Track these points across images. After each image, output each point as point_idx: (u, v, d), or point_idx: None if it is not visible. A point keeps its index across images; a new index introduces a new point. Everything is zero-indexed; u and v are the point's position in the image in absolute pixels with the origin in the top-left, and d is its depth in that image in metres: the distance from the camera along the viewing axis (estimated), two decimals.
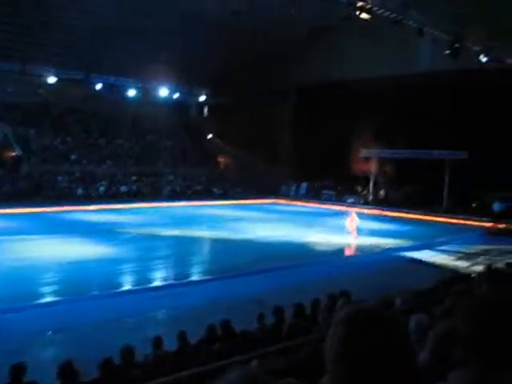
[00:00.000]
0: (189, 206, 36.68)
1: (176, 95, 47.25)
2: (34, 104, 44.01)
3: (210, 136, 51.39)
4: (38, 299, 12.91)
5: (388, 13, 28.12)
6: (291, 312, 8.55)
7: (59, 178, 39.30)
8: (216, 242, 23.74)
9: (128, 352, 6.60)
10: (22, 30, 35.92)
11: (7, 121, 41.31)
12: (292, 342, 6.91)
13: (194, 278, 16.45)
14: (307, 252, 21.20)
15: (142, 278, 15.84)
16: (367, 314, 1.51)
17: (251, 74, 42.69)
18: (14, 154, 40.06)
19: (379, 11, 27.60)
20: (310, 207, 39.98)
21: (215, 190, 44.46)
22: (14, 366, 5.84)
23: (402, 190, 39.04)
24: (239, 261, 18.18)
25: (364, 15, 26.19)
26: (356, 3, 25.88)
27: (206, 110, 52.83)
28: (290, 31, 36.93)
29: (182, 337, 7.70)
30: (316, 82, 41.59)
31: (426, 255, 20.88)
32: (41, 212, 30.69)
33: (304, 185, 45.44)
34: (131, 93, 45.22)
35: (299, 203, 41.73)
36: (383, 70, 35.73)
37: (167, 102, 46.79)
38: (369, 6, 26.30)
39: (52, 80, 42.00)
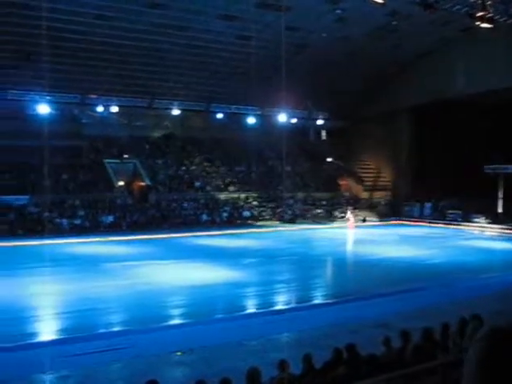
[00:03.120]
0: (309, 229, 36.61)
1: (294, 120, 47.71)
2: (160, 136, 46.50)
3: (329, 159, 51.22)
4: (166, 322, 13.34)
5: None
6: (419, 336, 8.14)
7: (185, 204, 40.89)
8: (339, 264, 23.42)
9: (254, 374, 6.57)
10: (152, 69, 38.30)
11: (136, 153, 43.83)
12: (419, 367, 6.56)
13: (317, 301, 16.27)
14: (434, 274, 20.30)
15: (265, 302, 15.90)
16: (508, 333, 1.34)
17: (367, 97, 42.44)
18: (143, 184, 42.30)
19: (501, 19, 26.33)
20: (436, 228, 38.41)
21: (336, 213, 44.06)
22: (149, 383, 6.03)
23: None
24: (364, 283, 17.77)
25: (485, 25, 25.05)
26: (475, 13, 24.84)
27: (323, 133, 52.84)
28: (397, 51, 36.82)
29: (307, 360, 7.57)
30: (430, 101, 40.25)
31: None
32: (168, 238, 32.00)
33: (428, 205, 43.82)
34: (251, 120, 46.34)
35: (424, 224, 40.24)
36: (500, 83, 33.90)
37: (286, 127, 47.40)
38: (490, 15, 25.14)
39: (176, 112, 44.14)
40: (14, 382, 9.09)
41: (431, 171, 40.21)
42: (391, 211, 43.94)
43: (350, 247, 28.00)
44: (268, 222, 39.86)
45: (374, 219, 42.02)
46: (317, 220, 41.24)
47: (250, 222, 40.01)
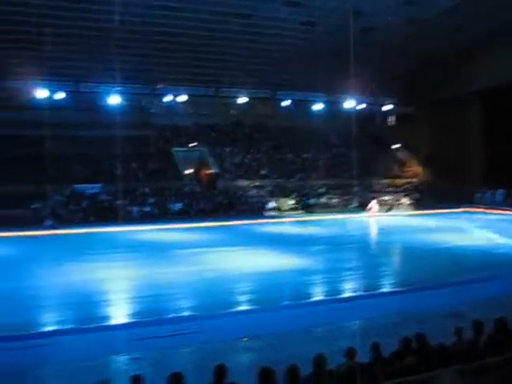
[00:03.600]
0: (376, 217, 36.08)
1: (361, 106, 46.99)
2: (227, 124, 46.87)
3: (396, 146, 50.21)
4: (233, 308, 13.51)
5: None
6: (492, 327, 7.90)
7: (251, 192, 41.15)
8: (407, 252, 23.00)
9: (321, 361, 6.55)
10: (218, 58, 38.60)
11: (204, 141, 44.38)
12: (493, 359, 6.37)
13: (385, 289, 16.04)
14: (507, 262, 19.58)
15: (332, 289, 15.83)
16: None
17: (435, 81, 41.25)
18: (210, 171, 42.85)
19: None
20: (509, 215, 36.99)
21: (403, 201, 43.19)
22: (218, 367, 6.12)
23: None
24: (433, 271, 17.38)
25: None
26: None
27: (391, 119, 51.81)
28: (467, 32, 35.44)
29: (375, 348, 7.48)
30: (503, 83, 38.56)
31: None
32: (235, 225, 32.33)
33: (500, 191, 42.21)
34: (317, 107, 45.98)
35: (496, 211, 38.81)
36: None
37: (353, 113, 46.73)
38: None
39: (242, 100, 44.34)
40: (87, 362, 9.46)
41: (503, 157, 38.72)
42: (461, 198, 42.63)
43: (418, 235, 27.39)
44: (334, 210, 39.52)
45: (436, 206, 40.74)
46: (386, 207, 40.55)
47: (315, 209, 39.81)
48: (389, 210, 39.80)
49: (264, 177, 43.56)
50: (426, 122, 46.37)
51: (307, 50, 37.71)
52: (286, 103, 45.96)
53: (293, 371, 5.85)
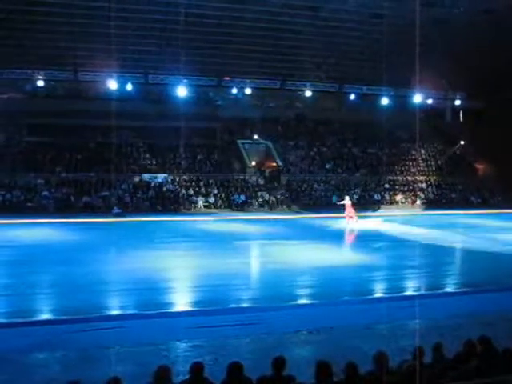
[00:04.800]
0: (443, 215, 35.19)
1: (429, 101, 45.86)
2: (292, 117, 46.78)
3: (462, 142, 48.71)
4: (294, 301, 13.53)
5: None
6: None
7: (315, 186, 40.99)
8: (475, 251, 22.34)
9: (382, 358, 6.46)
10: (285, 51, 38.56)
11: (268, 134, 44.50)
12: None
13: (449, 289, 15.66)
14: None
15: (394, 287, 15.58)
16: None
17: (508, 77, 39.67)
18: (274, 164, 42.95)
19: None
20: None
21: (472, 199, 41.97)
22: (276, 359, 6.16)
23: None
24: (502, 273, 16.82)
25: None
26: None
27: (459, 115, 50.32)
28: None
29: (437, 349, 7.33)
30: None
31: None
32: (298, 218, 32.32)
33: None
34: (384, 101, 45.21)
35: None
36: None
37: (420, 108, 45.65)
38: None
39: (308, 93, 44.13)
40: (149, 346, 9.71)
41: None
42: None
43: (488, 234, 26.53)
44: (400, 206, 38.85)
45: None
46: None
47: (380, 204, 39.26)
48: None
49: (328, 171, 43.30)
50: (496, 119, 44.69)
51: (375, 43, 37.05)
52: (352, 97, 45.43)
53: (352, 367, 5.82)
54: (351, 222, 28.12)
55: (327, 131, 47.26)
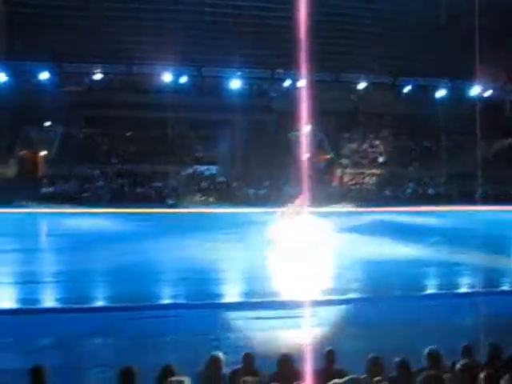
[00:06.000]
0: (499, 211, 34.14)
1: (488, 93, 44.55)
2: (346, 110, 46.28)
3: None
4: (344, 294, 13.47)
5: None
6: None
7: (367, 179, 40.56)
8: None
9: (434, 355, 6.36)
10: (339, 42, 38.23)
11: (322, 127, 44.22)
12: None
13: (505, 287, 15.23)
14: None
15: (447, 283, 15.30)
16: None
17: None
18: (327, 157, 42.70)
19: None
20: None
21: None
22: (327, 352, 6.18)
23: None
24: None
25: None
26: None
27: None
28: None
29: (492, 348, 7.15)
30: None
31: None
32: (349, 212, 32.02)
33: None
34: (440, 93, 44.20)
35: None
36: None
37: (478, 100, 44.39)
38: None
39: (362, 85, 43.58)
40: (200, 336, 9.88)
41: None
42: None
43: None
44: (456, 201, 37.93)
45: None
46: None
47: (435, 199, 38.47)
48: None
49: (381, 164, 42.73)
50: None
51: (432, 34, 36.29)
52: (407, 89, 44.58)
53: (404, 363, 5.75)
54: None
55: (381, 124, 46.60)
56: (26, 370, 5.77)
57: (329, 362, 6.11)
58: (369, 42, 38.66)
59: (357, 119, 46.47)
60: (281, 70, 42.89)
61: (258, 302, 12.32)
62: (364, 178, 40.88)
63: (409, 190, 39.74)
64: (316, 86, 44.97)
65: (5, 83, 36.60)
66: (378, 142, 45.03)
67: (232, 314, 11.23)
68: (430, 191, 40.09)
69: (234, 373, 5.89)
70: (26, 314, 11.15)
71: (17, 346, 9.39)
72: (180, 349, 9.45)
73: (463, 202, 36.70)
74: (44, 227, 28.76)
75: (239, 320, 10.75)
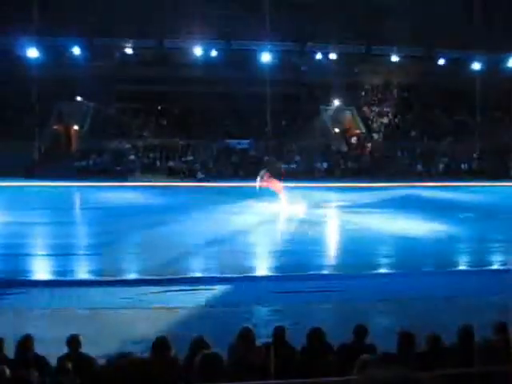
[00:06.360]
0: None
1: None
2: (377, 83, 45.64)
3: None
4: (375, 270, 13.48)
5: None
6: None
7: (399, 154, 40.11)
8: None
9: (467, 331, 6.34)
10: (370, 14, 37.51)
11: (352, 100, 43.74)
12: None
13: None
14: None
15: (478, 260, 15.16)
16: None
17: None
18: (358, 131, 42.30)
19: None
20: None
21: None
22: (358, 327, 6.23)
23: None
24: None
25: None
26: None
27: None
28: None
29: None
30: None
31: None
32: (381, 187, 31.79)
33: None
34: (475, 66, 43.15)
35: None
36: None
37: None
38: None
39: (394, 58, 42.76)
40: (231, 308, 10.04)
41: None
42: None
43: None
44: (489, 177, 37.27)
45: None
46: None
47: (468, 175, 37.88)
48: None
49: (413, 139, 42.15)
50: None
51: (468, 3, 35.33)
52: (440, 62, 43.60)
53: (435, 339, 5.77)
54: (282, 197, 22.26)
55: (413, 97, 45.85)
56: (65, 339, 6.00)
57: (359, 337, 6.16)
58: (402, 13, 37.85)
59: (388, 92, 45.80)
60: (311, 44, 42.35)
61: (288, 275, 12.42)
62: (395, 152, 40.40)
63: (441, 165, 39.17)
64: (347, 59, 44.45)
65: (37, 59, 36.94)
66: (410, 116, 44.37)
67: (262, 287, 11.36)
68: (463, 166, 39.46)
69: (266, 346, 5.98)
70: (61, 286, 11.43)
71: (53, 316, 9.68)
72: (211, 321, 9.62)
73: (497, 178, 36.08)
74: (79, 200, 29.27)
75: (269, 293, 10.86)
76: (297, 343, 6.14)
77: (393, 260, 14.70)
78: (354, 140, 41.94)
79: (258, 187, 21.78)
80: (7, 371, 4.66)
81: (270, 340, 6.17)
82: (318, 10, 37.01)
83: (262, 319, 9.65)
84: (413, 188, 32.15)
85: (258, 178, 21.89)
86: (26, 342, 5.81)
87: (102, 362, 5.79)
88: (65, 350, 6.02)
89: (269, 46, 40.27)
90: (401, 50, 42.33)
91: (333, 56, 42.27)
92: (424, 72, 43.96)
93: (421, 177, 36.80)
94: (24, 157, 35.65)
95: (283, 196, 21.44)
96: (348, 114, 43.83)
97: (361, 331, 6.19)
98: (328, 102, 43.92)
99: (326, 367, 5.43)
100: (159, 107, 42.82)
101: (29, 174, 33.94)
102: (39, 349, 6.00)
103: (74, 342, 5.97)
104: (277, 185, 21.89)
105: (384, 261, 14.58)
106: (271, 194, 23.02)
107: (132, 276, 12.90)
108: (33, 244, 16.34)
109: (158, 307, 10.14)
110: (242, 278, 12.23)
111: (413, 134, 42.52)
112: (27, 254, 14.67)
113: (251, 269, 13.39)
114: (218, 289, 11.33)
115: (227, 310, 10.06)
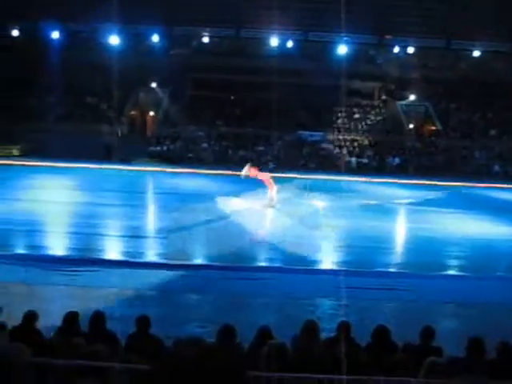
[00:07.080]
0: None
1: None
2: (456, 79, 44.15)
3: None
4: (444, 271, 13.17)
5: None
6: None
7: (476, 153, 38.81)
8: None
9: None
10: (450, 7, 36.34)
11: (429, 95, 42.64)
12: None
13: None
14: None
15: None
16: None
17: None
18: (433, 128, 41.21)
19: None
20: None
21: None
22: (426, 328, 6.11)
23: None
24: None
25: None
26: None
27: None
28: None
29: None
30: None
31: None
32: (455, 186, 30.88)
33: None
34: None
35: None
36: None
37: None
38: None
39: (476, 53, 41.29)
40: (296, 301, 10.07)
41: None
42: None
43: None
44: None
45: None
46: None
47: None
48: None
49: (492, 138, 40.63)
50: None
51: None
52: None
53: (506, 346, 5.58)
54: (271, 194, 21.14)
55: (495, 94, 44.11)
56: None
57: (426, 339, 6.04)
58: (484, 6, 36.34)
59: (468, 88, 44.28)
60: (389, 36, 41.48)
61: (355, 271, 12.32)
62: (472, 151, 39.10)
63: None
64: (425, 53, 43.28)
65: (117, 46, 37.98)
66: (490, 114, 42.76)
67: (328, 281, 11.32)
68: None
69: (330, 340, 5.97)
70: (131, 267, 11.79)
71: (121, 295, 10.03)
72: (276, 311, 9.70)
73: None
74: (153, 185, 29.92)
75: (336, 288, 10.80)
76: (361, 340, 6.10)
77: (462, 262, 14.29)
78: (428, 136, 40.90)
79: (243, 176, 21.51)
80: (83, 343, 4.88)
81: (334, 334, 6.16)
82: (397, 2, 36.15)
83: (326, 313, 9.64)
84: (489, 189, 31.04)
85: (244, 170, 21.51)
86: (97, 318, 6.05)
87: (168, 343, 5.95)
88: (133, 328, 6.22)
89: (345, 38, 39.76)
90: (483, 44, 40.79)
91: (410, 50, 41.28)
92: (507, 68, 42.17)
93: (498, 177, 35.44)
94: (103, 140, 36.85)
95: (273, 188, 20.86)
96: (423, 110, 42.74)
97: (428, 332, 6.07)
98: (403, 97, 42.99)
99: (391, 366, 5.36)
100: (233, 96, 43.18)
101: (107, 157, 35.11)
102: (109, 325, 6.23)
103: (142, 322, 6.15)
104: (265, 176, 21.43)
105: (453, 262, 14.22)
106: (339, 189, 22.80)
107: (198, 261, 13.15)
108: (106, 225, 16.88)
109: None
110: (308, 270, 12.24)
111: (492, 132, 40.97)
112: (100, 234, 15.21)
113: (316, 262, 13.38)
114: (284, 279, 11.39)
115: (292, 302, 10.10)
